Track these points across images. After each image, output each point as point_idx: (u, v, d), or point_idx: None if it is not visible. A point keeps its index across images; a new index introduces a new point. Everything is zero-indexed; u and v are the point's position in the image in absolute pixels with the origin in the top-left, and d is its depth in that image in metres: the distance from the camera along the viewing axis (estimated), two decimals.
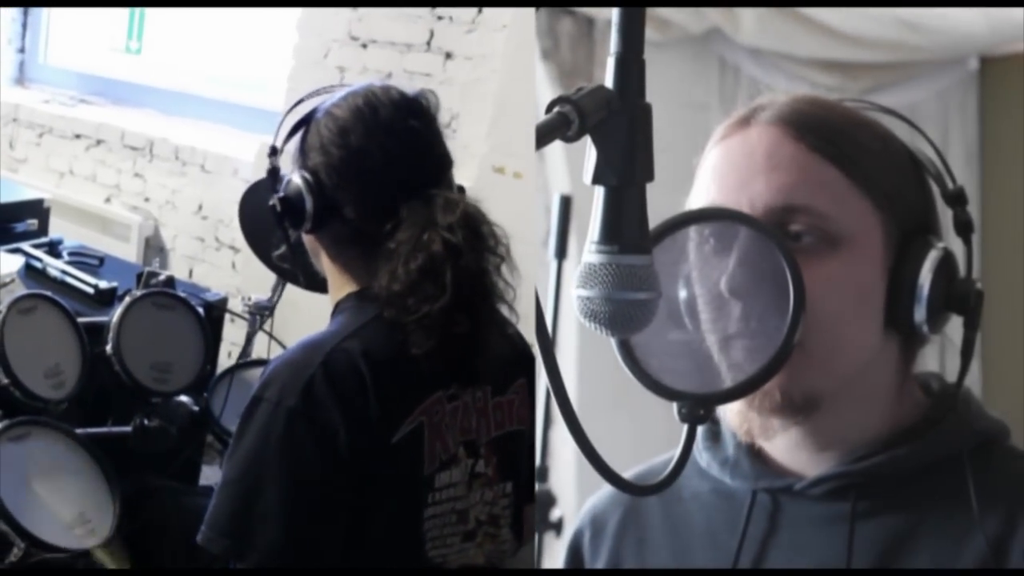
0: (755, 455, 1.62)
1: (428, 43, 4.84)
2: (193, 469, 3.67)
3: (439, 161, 2.20)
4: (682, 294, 1.48)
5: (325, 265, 2.22)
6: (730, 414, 1.57)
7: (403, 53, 4.92)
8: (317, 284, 2.31)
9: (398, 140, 2.14)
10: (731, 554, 1.59)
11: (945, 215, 1.61)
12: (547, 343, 1.13)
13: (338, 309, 2.18)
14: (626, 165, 1.14)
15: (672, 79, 5.18)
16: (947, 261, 1.53)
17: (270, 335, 3.67)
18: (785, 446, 1.59)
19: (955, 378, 1.60)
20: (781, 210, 1.49)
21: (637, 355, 1.44)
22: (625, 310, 1.15)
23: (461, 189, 2.21)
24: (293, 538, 1.98)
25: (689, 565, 1.63)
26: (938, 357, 1.63)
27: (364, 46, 5.03)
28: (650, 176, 1.15)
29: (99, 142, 6.04)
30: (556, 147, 5.05)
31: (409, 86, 2.24)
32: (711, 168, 1.55)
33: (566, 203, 3.46)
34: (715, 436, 1.67)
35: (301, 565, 1.99)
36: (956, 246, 1.58)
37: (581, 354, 5.11)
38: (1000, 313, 5.59)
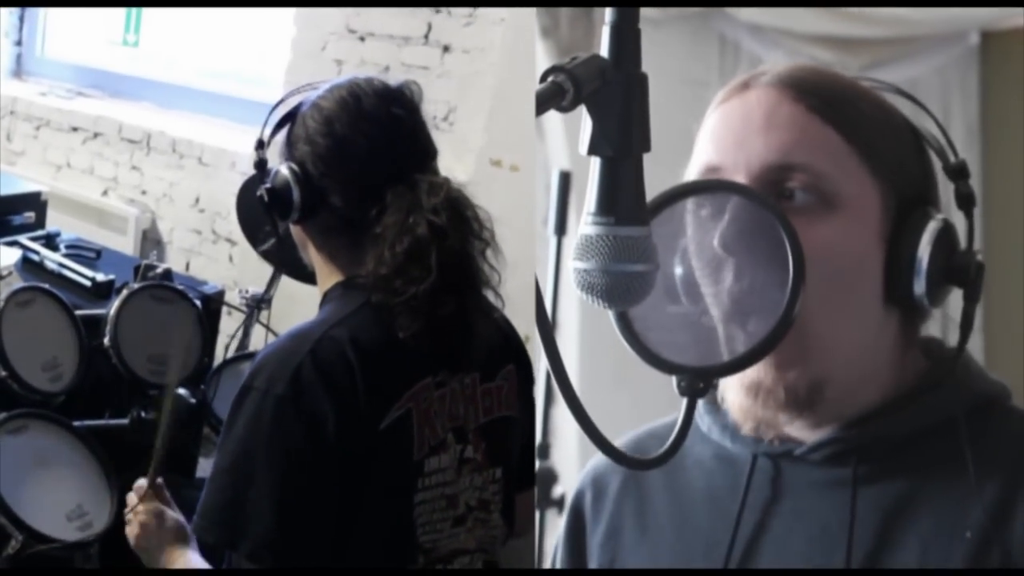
0: None
1: (426, 36, 4.84)
2: (190, 461, 3.67)
3: (423, 148, 2.23)
4: (680, 266, 1.48)
5: (313, 256, 2.25)
6: (735, 411, 1.56)
7: (401, 46, 4.91)
8: (307, 276, 2.33)
9: (382, 128, 2.18)
10: (732, 519, 1.59)
11: (946, 190, 1.59)
12: (546, 322, 1.12)
13: (326, 299, 2.21)
14: (622, 135, 1.13)
15: (672, 56, 5.17)
16: (947, 233, 1.52)
17: (267, 327, 3.67)
18: None
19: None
20: (778, 168, 1.48)
21: (636, 328, 1.44)
22: (622, 282, 1.14)
23: (446, 179, 2.23)
24: (284, 525, 2.00)
25: (690, 530, 1.63)
26: (940, 333, 1.63)
27: (362, 39, 5.02)
28: (646, 146, 1.14)
29: (96, 135, 6.03)
30: (556, 124, 5.06)
31: (407, 79, 2.26)
32: (709, 130, 1.55)
33: (565, 179, 3.47)
34: (716, 401, 1.65)
35: (293, 552, 2.00)
36: (957, 220, 1.56)
37: (583, 330, 5.11)
38: (1003, 288, 5.59)
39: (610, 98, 1.12)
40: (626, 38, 1.13)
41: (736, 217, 1.44)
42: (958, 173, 1.58)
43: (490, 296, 2.21)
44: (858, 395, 1.56)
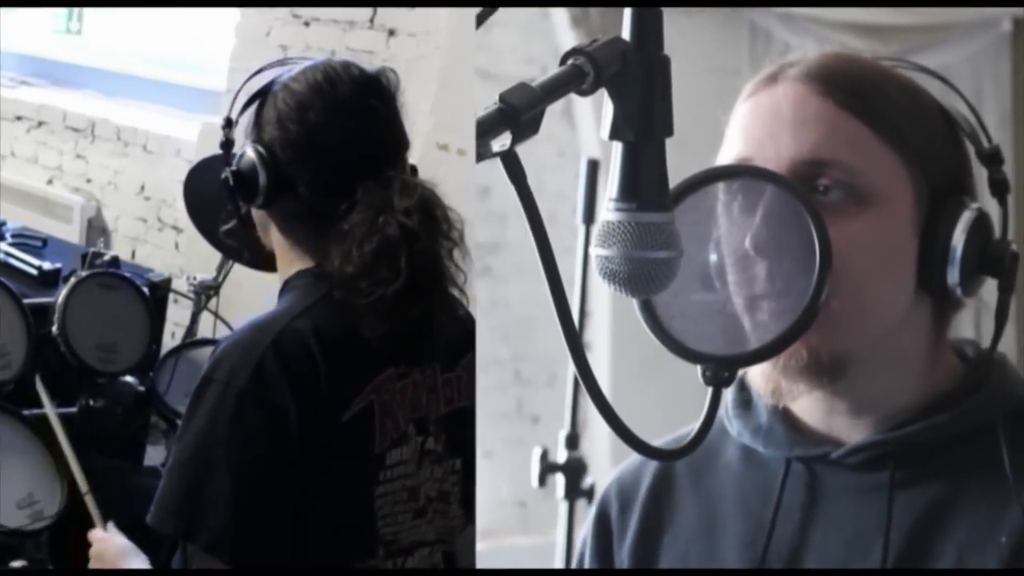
0: (789, 423, 1.60)
1: (371, 20, 4.83)
2: (139, 449, 3.66)
3: (397, 142, 2.19)
4: (705, 253, 1.46)
5: (275, 240, 2.21)
6: (755, 375, 1.54)
7: (346, 31, 4.90)
8: (261, 261, 2.31)
9: (357, 119, 2.13)
10: (765, 525, 1.58)
11: (980, 175, 1.58)
12: (567, 314, 1.10)
13: (287, 286, 2.16)
14: (644, 119, 1.10)
15: (702, 44, 5.18)
16: (981, 221, 1.51)
17: (215, 315, 3.67)
18: (819, 413, 1.58)
19: (990, 343, 1.58)
20: (809, 163, 1.47)
21: (660, 316, 1.42)
22: (645, 269, 1.12)
23: (414, 170, 2.20)
24: (243, 517, 1.98)
25: (721, 535, 1.61)
26: (973, 322, 1.62)
27: (306, 24, 5.01)
28: (669, 131, 1.12)
29: (40, 123, 5.99)
30: (586, 111, 5.07)
31: (383, 66, 2.22)
32: (738, 124, 1.53)
33: (593, 167, 3.47)
34: (746, 404, 1.64)
35: (252, 544, 1.99)
36: (991, 207, 1.55)
37: (614, 320, 5.12)
38: None
39: (631, 81, 1.09)
40: (648, 20, 1.11)
41: (769, 215, 1.43)
42: (992, 159, 1.57)
43: (456, 294, 2.19)
44: (890, 384, 1.55)
